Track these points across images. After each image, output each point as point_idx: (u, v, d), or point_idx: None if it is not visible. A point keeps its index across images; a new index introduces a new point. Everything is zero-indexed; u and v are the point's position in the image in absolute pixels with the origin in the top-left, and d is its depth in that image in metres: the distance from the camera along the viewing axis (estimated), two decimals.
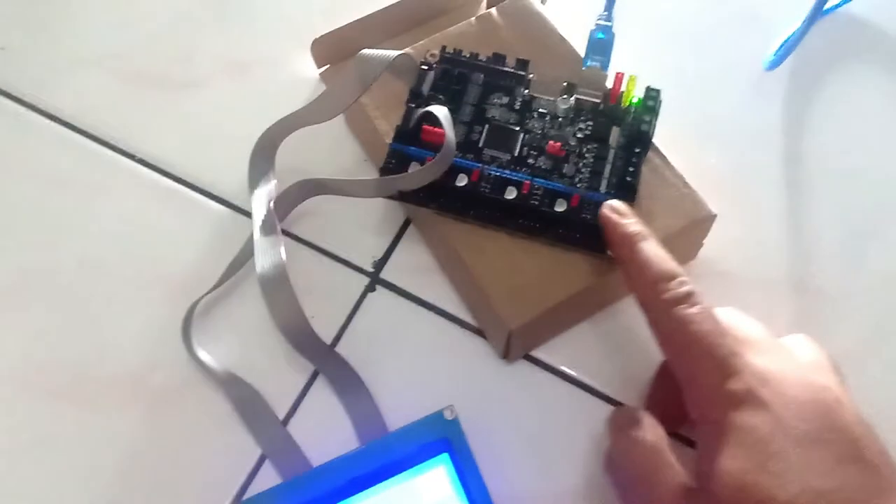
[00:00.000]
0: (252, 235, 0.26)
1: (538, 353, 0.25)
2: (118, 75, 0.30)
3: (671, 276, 0.21)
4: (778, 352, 0.20)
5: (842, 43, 0.31)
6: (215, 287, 0.25)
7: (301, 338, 0.24)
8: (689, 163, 0.25)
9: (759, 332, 0.21)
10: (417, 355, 0.25)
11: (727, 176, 0.28)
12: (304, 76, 0.30)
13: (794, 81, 0.30)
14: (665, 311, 0.20)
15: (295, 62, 0.30)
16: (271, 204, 0.26)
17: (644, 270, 0.21)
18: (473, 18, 0.28)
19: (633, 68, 0.26)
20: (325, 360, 0.24)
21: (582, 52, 0.27)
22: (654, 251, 0.21)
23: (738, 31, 0.31)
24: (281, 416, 0.24)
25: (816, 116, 0.29)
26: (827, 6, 0.29)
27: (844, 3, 0.31)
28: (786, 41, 0.30)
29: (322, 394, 0.24)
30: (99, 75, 0.30)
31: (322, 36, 0.28)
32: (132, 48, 0.31)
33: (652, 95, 0.25)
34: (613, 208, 0.23)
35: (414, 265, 0.26)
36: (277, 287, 0.24)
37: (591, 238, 0.24)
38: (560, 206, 0.24)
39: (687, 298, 0.20)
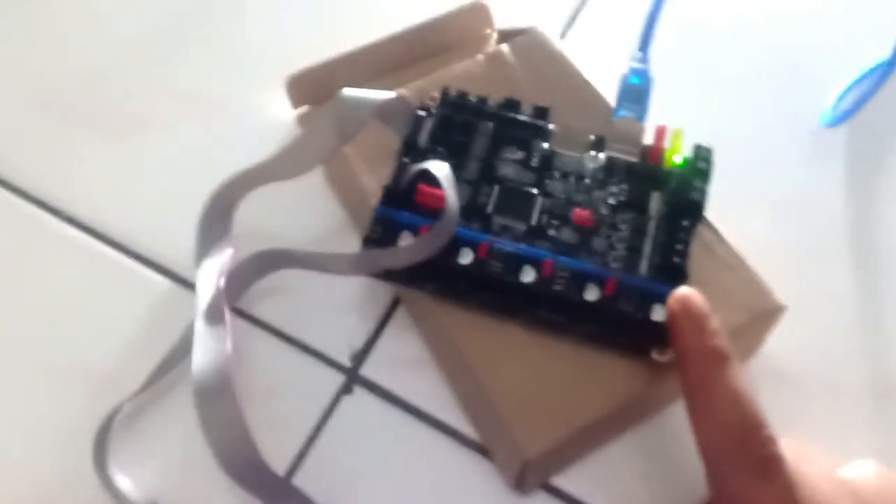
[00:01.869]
0: (192, 323, 0.20)
1: (559, 481, 0.20)
2: (51, 114, 0.26)
3: (756, 427, 0.16)
4: None
5: None
6: (143, 389, 0.20)
7: (245, 469, 0.19)
8: (737, 238, 0.21)
9: (822, 481, 0.17)
10: (402, 481, 0.20)
11: (784, 254, 0.23)
12: (278, 119, 0.25)
13: (856, 139, 0.26)
14: (738, 474, 0.16)
15: (267, 102, 0.25)
16: (221, 280, 0.21)
17: (723, 412, 0.16)
18: (481, 56, 0.24)
19: (667, 121, 0.21)
20: (278, 496, 0.19)
21: (611, 100, 0.23)
22: (740, 385, 0.17)
23: (789, 79, 0.27)
24: None
25: (885, 180, 0.25)
26: None
27: None
28: (844, 92, 0.26)
29: None
30: (29, 114, 0.26)
31: (300, 72, 0.24)
32: (71, 82, 0.27)
33: (703, 156, 0.21)
34: (688, 306, 0.18)
35: (402, 359, 0.22)
36: (216, 398, 0.19)
37: (631, 337, 0.19)
38: (591, 294, 0.19)
39: (770, 465, 0.16)
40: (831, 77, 0.26)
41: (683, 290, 0.18)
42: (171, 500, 0.19)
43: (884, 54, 0.26)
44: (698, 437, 0.17)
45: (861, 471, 0.19)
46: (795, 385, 0.22)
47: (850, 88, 0.26)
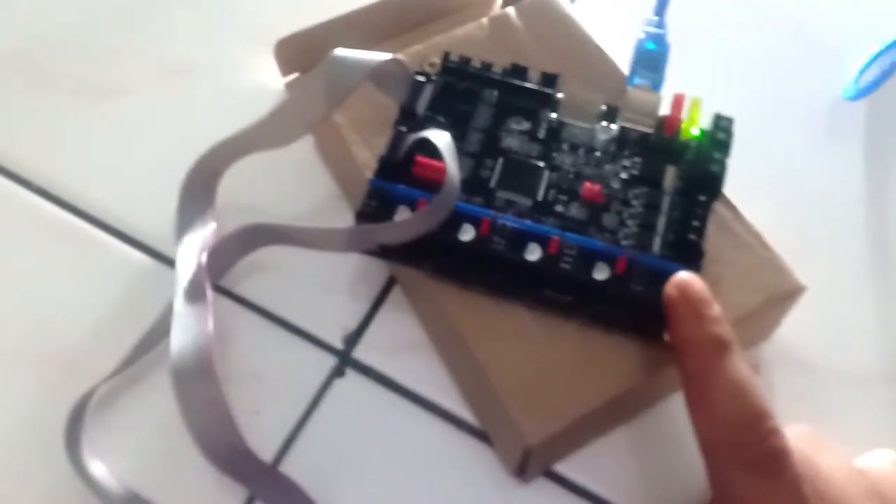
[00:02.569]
0: (172, 301, 0.19)
1: (562, 468, 0.19)
2: (23, 79, 0.25)
3: (758, 419, 0.15)
4: None
5: None
6: (118, 371, 0.19)
7: (228, 456, 0.18)
8: (752, 216, 0.20)
9: (837, 472, 0.16)
10: (398, 469, 0.19)
11: (800, 232, 0.22)
12: (266, 87, 0.24)
13: (878, 114, 0.25)
14: (740, 472, 0.15)
15: (255, 69, 0.24)
16: (203, 256, 0.19)
17: (723, 405, 0.15)
18: (485, 20, 0.23)
19: (682, 91, 0.20)
20: (263, 483, 0.18)
21: (625, 67, 0.22)
22: (742, 376, 0.15)
23: (809, 50, 0.26)
24: None
25: None
26: None
27: None
28: (867, 65, 0.24)
29: None
30: None
31: (290, 36, 0.23)
32: (38, 42, 0.25)
33: (723, 126, 0.20)
34: (686, 291, 0.17)
35: (398, 341, 0.21)
36: (195, 380, 0.18)
37: (643, 319, 0.18)
38: (601, 273, 0.18)
39: (775, 461, 0.15)
40: (853, 49, 0.25)
41: (681, 275, 0.17)
42: (149, 488, 0.18)
43: None
44: (698, 433, 0.16)
45: (879, 460, 0.18)
46: (811, 370, 0.21)
47: (872, 61, 0.25)
